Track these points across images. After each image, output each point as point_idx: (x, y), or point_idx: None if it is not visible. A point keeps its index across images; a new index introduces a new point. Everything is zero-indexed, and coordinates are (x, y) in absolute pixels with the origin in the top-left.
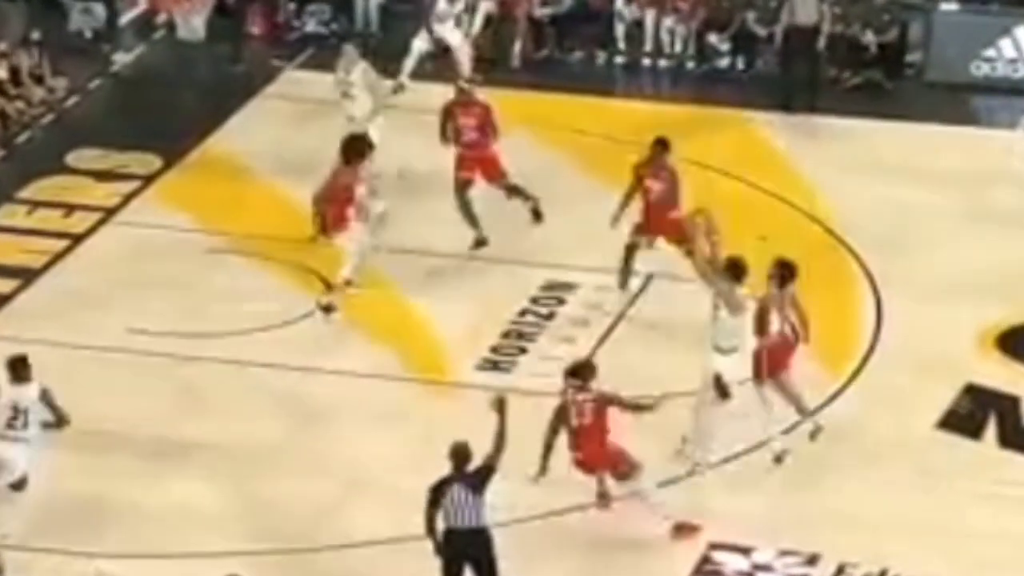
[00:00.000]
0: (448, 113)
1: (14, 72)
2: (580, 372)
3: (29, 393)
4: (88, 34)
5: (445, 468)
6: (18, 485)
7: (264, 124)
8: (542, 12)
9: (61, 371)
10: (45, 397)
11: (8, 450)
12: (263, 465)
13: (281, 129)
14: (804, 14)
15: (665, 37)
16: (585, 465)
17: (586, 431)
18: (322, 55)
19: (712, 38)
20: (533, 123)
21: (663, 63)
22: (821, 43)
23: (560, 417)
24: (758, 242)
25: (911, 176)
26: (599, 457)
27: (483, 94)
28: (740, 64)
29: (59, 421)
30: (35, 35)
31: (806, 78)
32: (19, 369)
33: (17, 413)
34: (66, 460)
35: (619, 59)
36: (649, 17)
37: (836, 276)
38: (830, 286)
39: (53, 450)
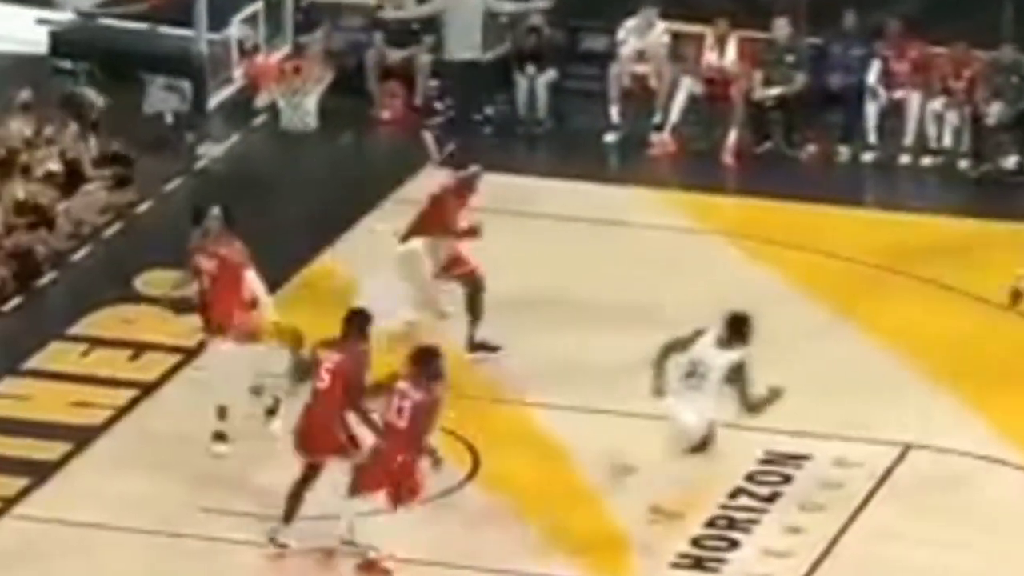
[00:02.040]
0: None
1: (70, 164)
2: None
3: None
4: (169, 118)
5: None
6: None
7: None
8: (764, 93)
9: (116, 564)
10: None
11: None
12: None
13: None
14: None
15: (931, 127)
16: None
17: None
18: (472, 148)
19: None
20: (748, 237)
21: (928, 161)
22: None
23: None
24: None
25: None
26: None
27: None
28: None
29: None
30: (96, 109)
31: None
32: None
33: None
34: None
35: (868, 156)
36: (913, 100)
37: None
38: None
39: None
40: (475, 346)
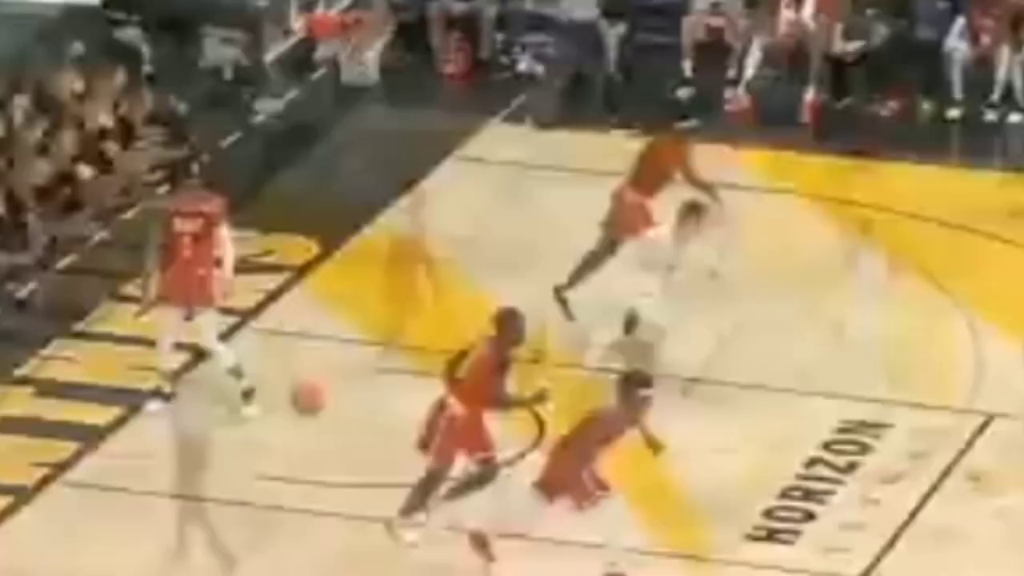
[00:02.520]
0: None
1: (122, 121)
2: None
3: None
4: (227, 72)
5: None
6: None
7: (456, 196)
8: (844, 48)
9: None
10: None
11: None
12: None
13: (478, 202)
14: None
15: (1020, 83)
16: None
17: None
18: (539, 104)
19: None
20: (825, 197)
21: (1016, 118)
22: None
23: None
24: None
25: None
26: None
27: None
28: None
29: None
30: (147, 68)
31: None
32: None
33: None
34: None
35: (953, 112)
36: (1003, 55)
37: None
38: None
39: None
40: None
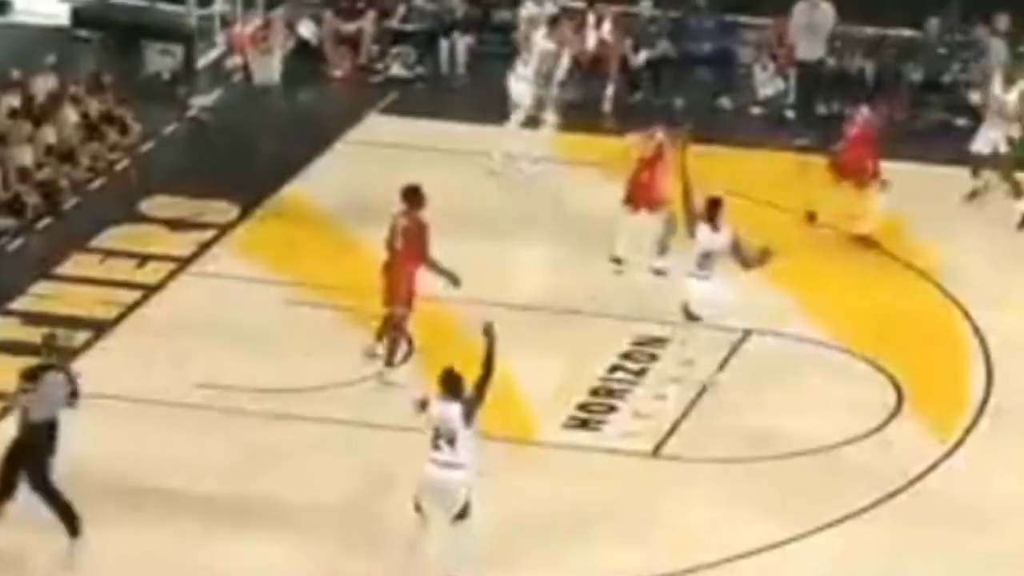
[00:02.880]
0: None
1: (85, 116)
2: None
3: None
4: (166, 76)
5: (534, 530)
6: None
7: (344, 171)
8: (636, 60)
9: (131, 426)
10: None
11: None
12: (338, 528)
13: (363, 176)
14: None
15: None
16: None
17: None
18: (406, 100)
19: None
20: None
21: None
22: None
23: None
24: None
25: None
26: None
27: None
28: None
29: None
30: (107, 78)
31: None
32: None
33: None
34: (132, 518)
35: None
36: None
37: (940, 326)
38: (935, 337)
39: (118, 507)
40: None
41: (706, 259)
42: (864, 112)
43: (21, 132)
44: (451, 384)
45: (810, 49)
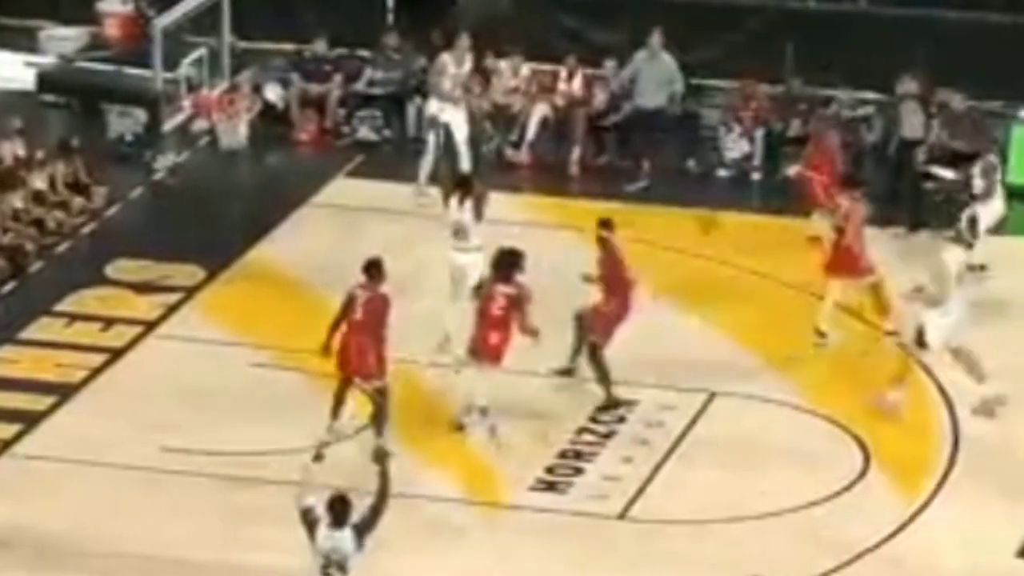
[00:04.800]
0: None
1: (52, 181)
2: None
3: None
4: (129, 136)
5: None
6: None
7: (311, 233)
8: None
9: (95, 493)
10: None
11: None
12: None
13: (329, 238)
14: (909, 127)
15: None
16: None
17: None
18: (372, 162)
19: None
20: (584, 229)
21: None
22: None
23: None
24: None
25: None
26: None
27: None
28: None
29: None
30: (74, 142)
31: (909, 192)
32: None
33: None
34: None
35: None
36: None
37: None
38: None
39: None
40: None
41: None
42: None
43: None
44: (340, 512)
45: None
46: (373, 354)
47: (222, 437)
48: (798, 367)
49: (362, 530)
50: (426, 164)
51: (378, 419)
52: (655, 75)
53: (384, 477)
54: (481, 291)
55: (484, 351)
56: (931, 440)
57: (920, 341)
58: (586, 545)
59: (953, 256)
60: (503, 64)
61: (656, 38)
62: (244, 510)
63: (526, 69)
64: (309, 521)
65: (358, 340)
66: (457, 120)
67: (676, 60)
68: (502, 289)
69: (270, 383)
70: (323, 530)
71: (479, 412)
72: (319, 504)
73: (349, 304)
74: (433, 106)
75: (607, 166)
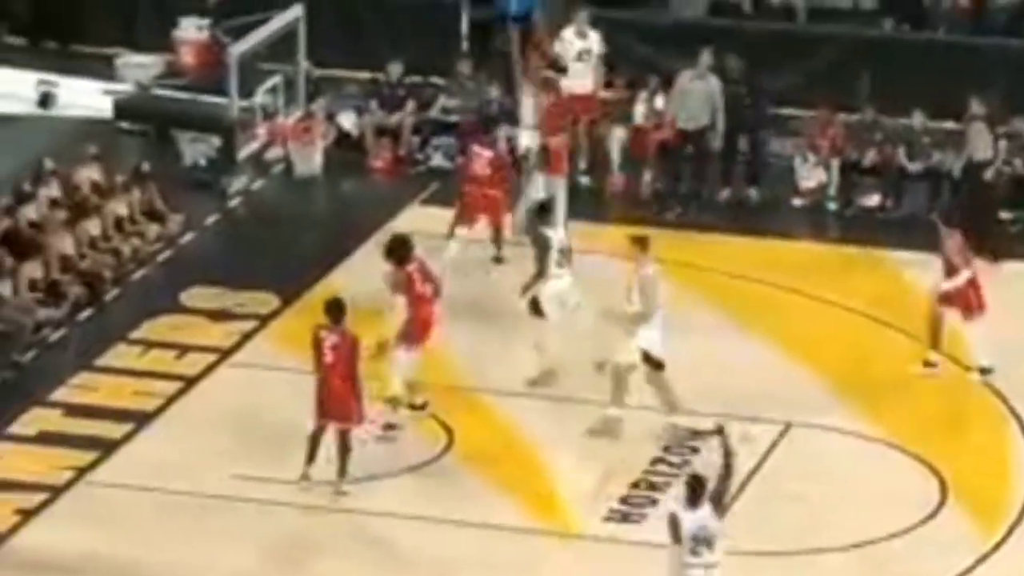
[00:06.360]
0: None
1: (129, 208)
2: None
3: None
4: (203, 162)
5: None
6: None
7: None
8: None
9: (168, 520)
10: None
11: None
12: None
13: None
14: (977, 148)
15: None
16: None
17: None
18: (446, 190)
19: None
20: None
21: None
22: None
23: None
24: None
25: None
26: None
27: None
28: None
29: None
30: (145, 166)
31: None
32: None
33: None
34: None
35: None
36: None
37: (984, 422)
38: (979, 433)
39: None
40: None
41: None
42: None
43: (56, 221)
44: (699, 490)
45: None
46: (352, 397)
47: (294, 465)
48: (874, 398)
49: (717, 502)
50: (530, 194)
51: (342, 457)
52: (701, 96)
53: (727, 448)
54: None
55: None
56: (1009, 474)
57: None
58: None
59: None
60: None
61: (705, 58)
62: (314, 539)
63: (603, 94)
64: (674, 522)
65: (333, 385)
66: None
67: (751, 87)
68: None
69: None
70: (684, 514)
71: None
72: (670, 500)
73: (317, 349)
74: (525, 136)
75: (674, 192)
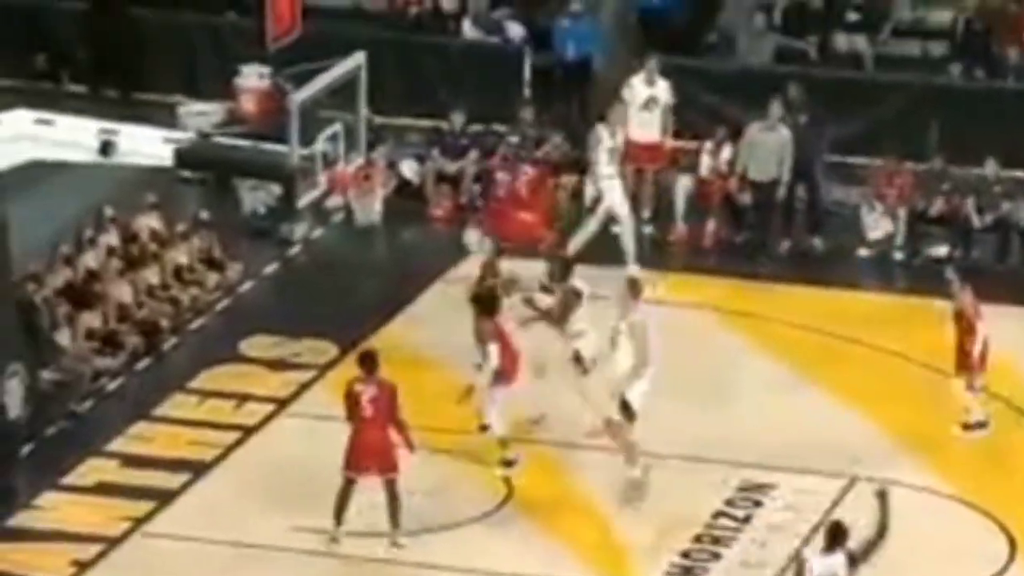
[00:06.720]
0: None
1: (187, 256)
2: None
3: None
4: (262, 210)
5: None
6: None
7: (445, 311)
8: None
9: (224, 572)
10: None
11: None
12: None
13: (462, 316)
14: None
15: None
16: None
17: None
18: None
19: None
20: (721, 308)
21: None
22: None
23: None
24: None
25: None
26: None
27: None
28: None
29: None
30: (204, 215)
31: None
32: None
33: None
34: None
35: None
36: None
37: None
38: None
39: None
40: None
41: None
42: None
43: (114, 269)
44: (839, 537)
45: None
46: (393, 446)
47: (351, 516)
48: (939, 451)
49: (856, 559)
50: (628, 240)
51: (394, 508)
52: (771, 147)
53: (884, 512)
54: None
55: None
56: None
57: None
58: None
59: None
60: None
61: (775, 109)
62: None
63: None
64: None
65: (375, 437)
66: (614, 194)
67: (812, 118)
68: None
69: (402, 461)
70: (815, 558)
71: None
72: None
73: (354, 402)
74: (606, 185)
75: (741, 243)
